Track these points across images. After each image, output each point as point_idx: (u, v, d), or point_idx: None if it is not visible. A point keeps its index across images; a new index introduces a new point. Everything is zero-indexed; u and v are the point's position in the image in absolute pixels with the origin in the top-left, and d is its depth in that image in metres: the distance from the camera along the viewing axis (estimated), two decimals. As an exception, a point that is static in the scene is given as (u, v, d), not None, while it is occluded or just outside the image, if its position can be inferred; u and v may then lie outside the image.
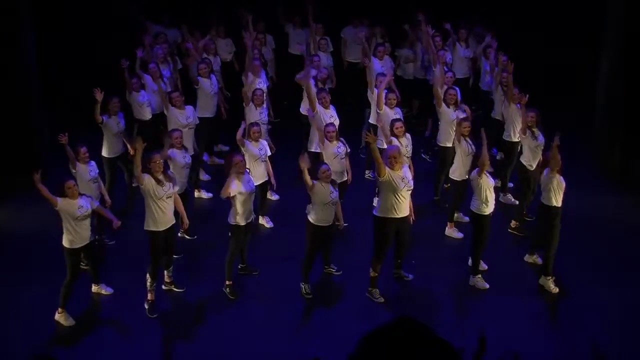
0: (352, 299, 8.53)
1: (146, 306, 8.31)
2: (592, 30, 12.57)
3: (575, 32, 13.82)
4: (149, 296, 8.31)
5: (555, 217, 8.54)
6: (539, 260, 9.12)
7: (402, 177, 8.12)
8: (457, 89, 10.76)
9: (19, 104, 10.96)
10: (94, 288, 8.64)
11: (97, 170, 9.12)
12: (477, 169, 8.56)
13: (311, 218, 8.35)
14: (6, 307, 8.44)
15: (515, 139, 10.39)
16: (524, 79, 11.28)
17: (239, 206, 8.30)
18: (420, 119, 13.20)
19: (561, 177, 8.50)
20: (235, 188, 8.18)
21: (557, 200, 8.53)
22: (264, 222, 10.13)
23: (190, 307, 8.47)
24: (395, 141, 9.25)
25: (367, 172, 11.31)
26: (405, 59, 13.25)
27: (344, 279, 8.95)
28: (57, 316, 8.09)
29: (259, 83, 11.38)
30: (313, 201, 8.31)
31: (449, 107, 10.36)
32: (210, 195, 10.84)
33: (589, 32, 12.90)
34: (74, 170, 8.77)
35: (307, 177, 8.11)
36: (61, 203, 7.81)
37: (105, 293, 8.62)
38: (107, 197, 9.23)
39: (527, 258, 9.27)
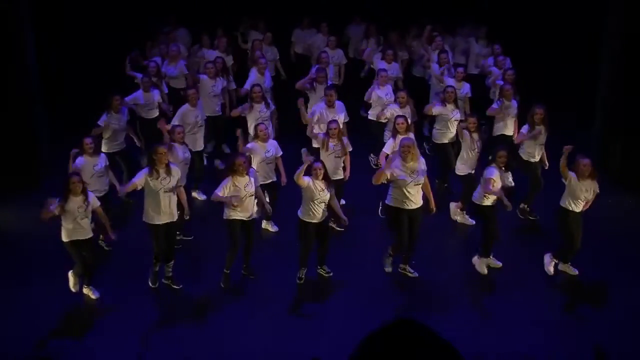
0: (353, 300, 8.51)
1: (150, 275, 8.57)
2: (592, 31, 12.56)
3: (576, 32, 13.81)
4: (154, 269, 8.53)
5: (570, 220, 8.46)
6: (572, 270, 8.86)
7: (412, 171, 8.12)
8: (467, 85, 11.02)
9: (19, 104, 10.94)
10: (85, 289, 8.42)
11: (106, 163, 9.09)
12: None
13: (299, 213, 8.36)
14: (6, 307, 8.43)
15: (508, 134, 10.41)
16: (524, 79, 11.28)
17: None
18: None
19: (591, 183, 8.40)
20: (225, 193, 8.21)
21: (576, 206, 8.44)
22: (269, 226, 9.94)
23: (190, 308, 8.46)
24: (398, 138, 9.19)
25: (371, 155, 11.31)
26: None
27: (345, 279, 8.92)
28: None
29: (264, 82, 11.43)
30: (303, 197, 8.32)
31: (446, 105, 10.34)
32: (205, 197, 10.62)
33: (589, 32, 12.89)
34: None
35: (301, 177, 8.12)
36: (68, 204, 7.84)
37: (93, 297, 8.40)
38: (118, 187, 9.17)
39: (561, 267, 8.89)
